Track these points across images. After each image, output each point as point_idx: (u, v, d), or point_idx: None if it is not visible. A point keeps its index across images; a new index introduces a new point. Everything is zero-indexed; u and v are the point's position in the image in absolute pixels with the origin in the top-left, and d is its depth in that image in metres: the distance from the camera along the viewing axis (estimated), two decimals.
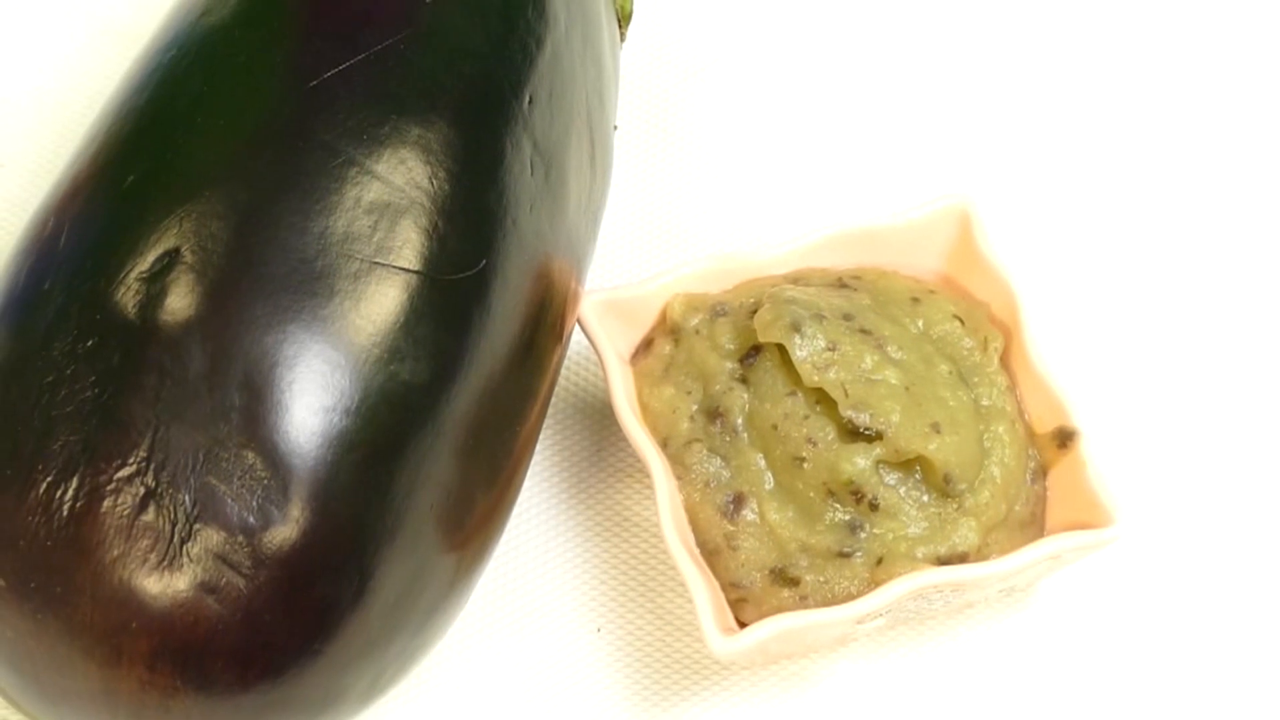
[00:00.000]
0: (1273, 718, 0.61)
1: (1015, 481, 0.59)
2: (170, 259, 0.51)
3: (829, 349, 0.59)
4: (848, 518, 0.58)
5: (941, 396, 0.59)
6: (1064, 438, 0.60)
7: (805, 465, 0.58)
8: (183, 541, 0.49)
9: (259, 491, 0.49)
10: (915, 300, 0.62)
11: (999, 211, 0.71)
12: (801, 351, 0.59)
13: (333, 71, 0.55)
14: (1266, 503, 0.66)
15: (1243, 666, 0.62)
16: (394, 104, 0.55)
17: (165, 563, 0.49)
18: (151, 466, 0.49)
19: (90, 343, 0.50)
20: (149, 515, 0.49)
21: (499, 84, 0.58)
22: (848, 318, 0.60)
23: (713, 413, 0.60)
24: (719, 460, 0.59)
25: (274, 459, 0.49)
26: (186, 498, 0.49)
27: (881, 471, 0.58)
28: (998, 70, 0.77)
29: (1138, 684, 0.62)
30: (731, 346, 0.61)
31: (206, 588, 0.49)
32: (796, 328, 0.59)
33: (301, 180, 0.53)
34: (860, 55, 0.77)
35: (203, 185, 0.53)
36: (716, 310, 0.62)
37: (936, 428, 0.58)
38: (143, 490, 0.49)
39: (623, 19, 0.68)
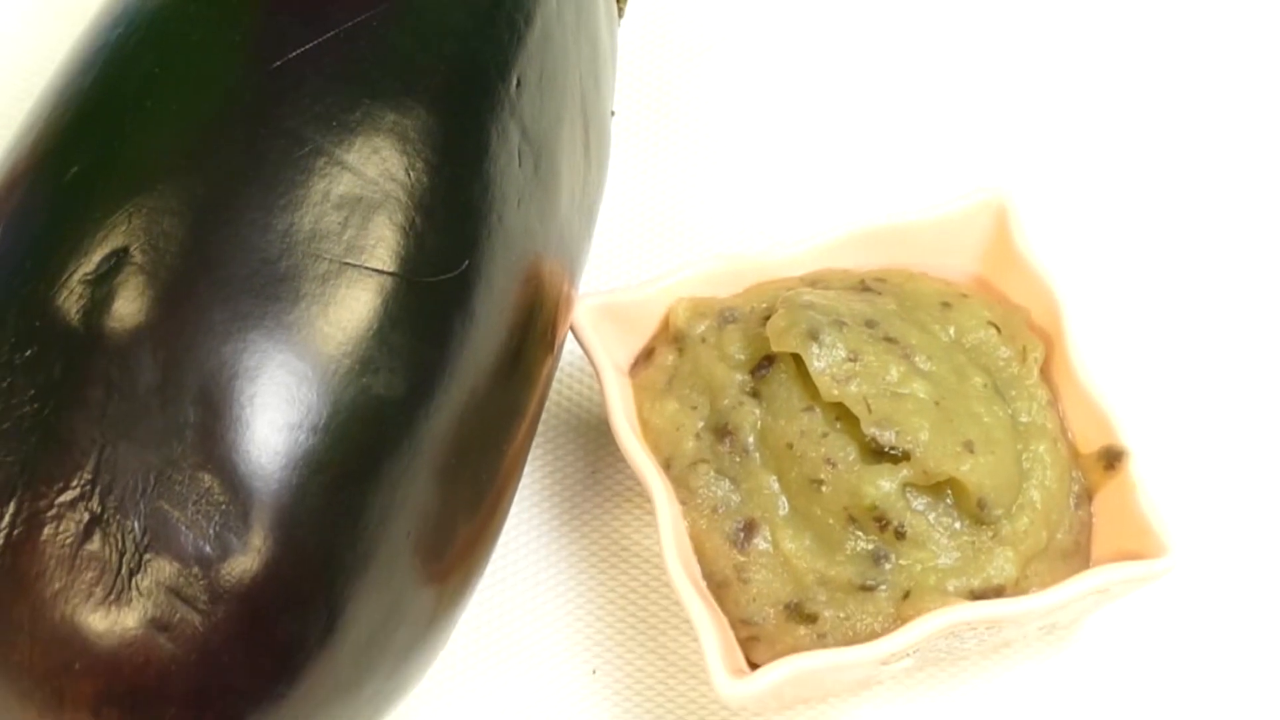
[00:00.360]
0: None
1: (1057, 507, 0.60)
2: (118, 259, 0.51)
3: (850, 359, 0.59)
4: (871, 547, 0.58)
5: (975, 412, 0.59)
6: (1111, 458, 0.60)
7: (824, 489, 0.58)
8: (131, 573, 0.49)
9: (216, 518, 0.49)
10: (946, 305, 0.62)
11: (1040, 206, 0.71)
12: (820, 362, 0.59)
13: (298, 51, 0.55)
14: None
15: None
16: (366, 87, 0.55)
17: (112, 597, 0.48)
18: (97, 490, 0.49)
19: (29, 352, 0.50)
20: (94, 544, 0.49)
21: (483, 65, 0.58)
22: (871, 324, 0.60)
23: (721, 430, 0.60)
24: (728, 483, 0.59)
25: (233, 481, 0.49)
26: (136, 525, 0.49)
27: (908, 495, 0.58)
28: (1036, 42, 0.77)
29: None
30: (741, 356, 0.61)
31: (158, 625, 0.49)
32: (814, 335, 0.59)
33: (264, 171, 0.53)
34: (883, 29, 0.77)
35: (154, 177, 0.53)
36: (725, 316, 0.62)
37: (970, 447, 0.58)
38: (87, 516, 0.49)
39: None
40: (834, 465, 0.58)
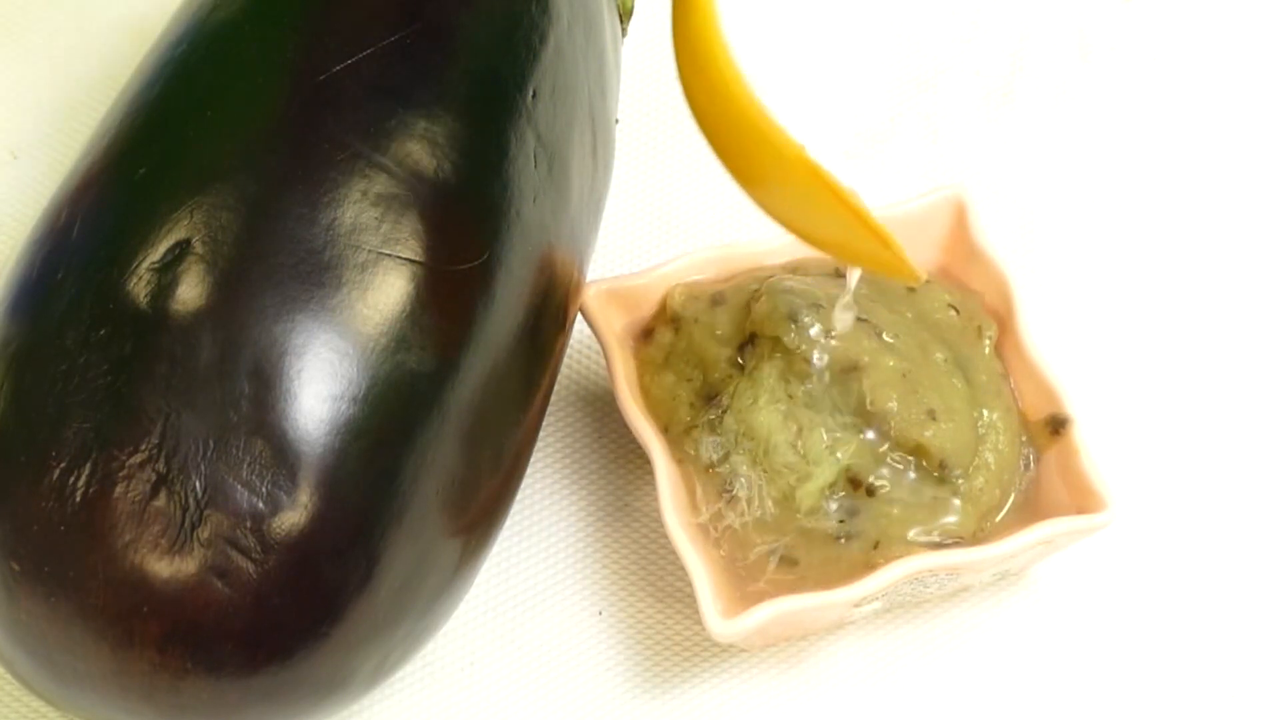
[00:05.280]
0: (1256, 696, 0.61)
1: (1009, 467, 0.59)
2: (181, 249, 0.51)
3: (826, 336, 0.59)
4: (845, 502, 0.58)
5: (938, 384, 0.59)
6: (1057, 424, 0.60)
7: (803, 451, 0.58)
8: (193, 526, 0.48)
9: (268, 478, 0.49)
10: (911, 290, 0.62)
11: (993, 202, 0.71)
12: (799, 339, 0.58)
13: (340, 66, 0.55)
14: (1256, 487, 0.66)
15: (1228, 648, 0.62)
16: (400, 98, 0.55)
17: (176, 547, 0.48)
18: (163, 453, 0.49)
19: (103, 331, 0.50)
20: (160, 501, 0.49)
21: (503, 78, 0.58)
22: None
23: (712, 399, 0.60)
24: (718, 445, 0.59)
25: (282, 446, 0.49)
26: (197, 484, 0.49)
27: (879, 457, 0.58)
28: (992, 64, 0.77)
29: (1128, 667, 0.62)
30: (730, 334, 0.61)
31: (217, 571, 0.49)
32: (794, 317, 0.59)
33: (309, 173, 0.53)
34: (858, 48, 0.77)
35: (213, 177, 0.52)
36: (715, 299, 0.62)
37: (933, 415, 0.58)
38: (154, 476, 0.49)
39: (624, 14, 0.68)
40: (813, 430, 0.58)
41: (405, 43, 0.56)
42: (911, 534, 0.57)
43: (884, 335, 0.59)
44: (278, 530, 0.49)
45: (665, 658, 0.62)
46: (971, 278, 0.64)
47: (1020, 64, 0.77)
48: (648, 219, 0.72)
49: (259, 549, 0.49)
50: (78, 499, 0.49)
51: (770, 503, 0.58)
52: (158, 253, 0.51)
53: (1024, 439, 0.61)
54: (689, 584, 0.57)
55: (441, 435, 0.53)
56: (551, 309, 0.59)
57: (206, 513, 0.49)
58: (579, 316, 0.62)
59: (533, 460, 0.62)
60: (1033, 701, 0.61)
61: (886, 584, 0.56)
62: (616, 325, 0.63)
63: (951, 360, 0.60)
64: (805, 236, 0.56)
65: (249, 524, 0.49)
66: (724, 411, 0.59)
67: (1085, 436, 0.60)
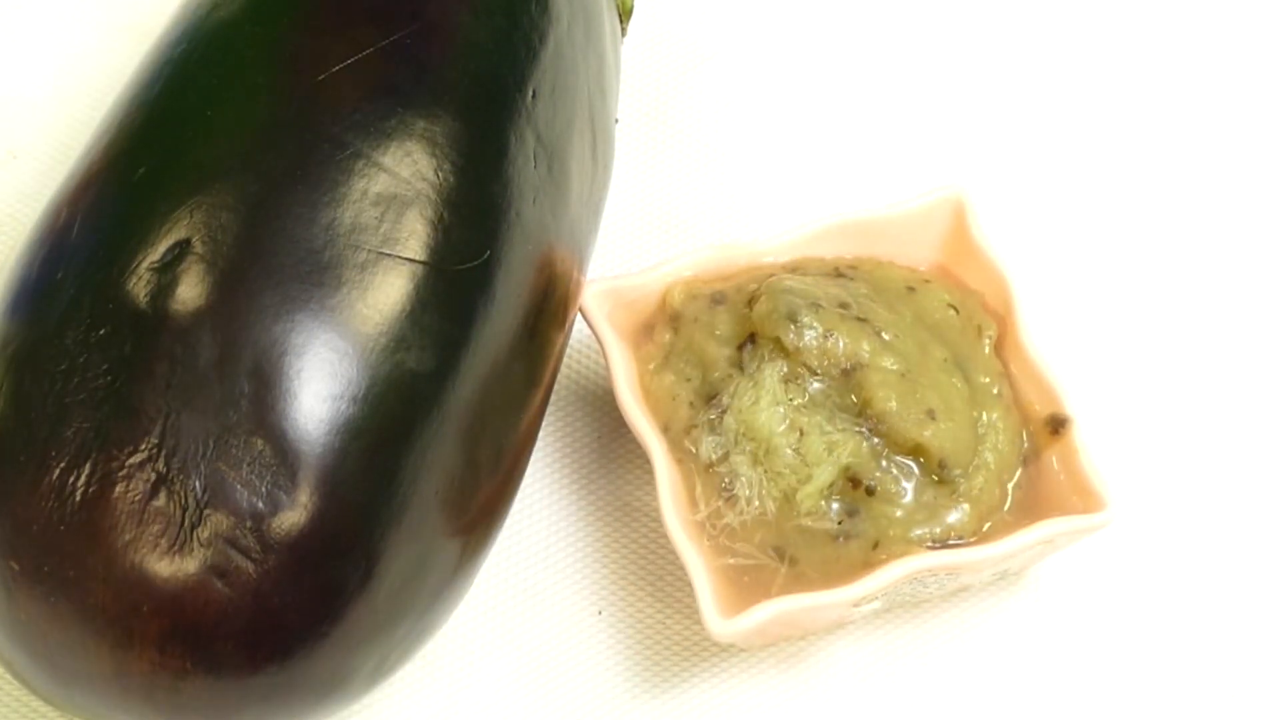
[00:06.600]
0: (1255, 695, 0.61)
1: (1009, 467, 0.59)
2: (181, 249, 0.51)
3: (825, 336, 0.59)
4: (845, 502, 0.58)
5: (937, 384, 0.59)
6: (1057, 424, 0.60)
7: (803, 451, 0.58)
8: (193, 526, 0.49)
9: (268, 477, 0.49)
10: (911, 289, 0.62)
11: (993, 202, 0.71)
12: (798, 339, 0.58)
13: (340, 66, 0.55)
14: (1255, 488, 0.66)
15: (1228, 647, 0.62)
16: (400, 98, 0.55)
17: (176, 547, 0.48)
18: (163, 453, 0.49)
19: (102, 331, 0.50)
20: (160, 500, 0.49)
21: (503, 78, 0.58)
22: (844, 306, 0.60)
23: (712, 398, 0.60)
24: (718, 445, 0.59)
25: (282, 446, 0.49)
26: (197, 483, 0.49)
27: (878, 457, 0.58)
28: (992, 63, 0.77)
29: (1128, 667, 0.62)
30: (730, 334, 0.61)
31: (216, 571, 0.49)
32: (793, 316, 0.59)
33: (309, 172, 0.53)
34: (857, 48, 0.77)
35: (213, 177, 0.53)
36: (715, 299, 0.62)
37: (932, 415, 0.58)
38: (154, 476, 0.49)
39: (624, 14, 0.68)
40: (812, 430, 0.58)
41: (405, 43, 0.56)
42: (911, 534, 0.57)
43: (883, 335, 0.59)
44: (277, 530, 0.49)
45: (665, 657, 0.62)
46: (971, 277, 0.64)
47: (1021, 61, 0.77)
48: (648, 219, 0.72)
49: (259, 549, 0.49)
50: (77, 499, 0.49)
51: (770, 502, 0.58)
52: (157, 252, 0.51)
53: (1024, 439, 0.61)
54: (689, 583, 0.57)
55: (441, 435, 0.53)
56: (551, 308, 0.59)
57: (206, 512, 0.49)
58: (579, 315, 0.62)
59: (533, 460, 0.62)
60: (1032, 701, 0.61)
61: (886, 584, 0.56)
62: (616, 324, 0.63)
63: (951, 360, 0.60)
64: None
65: (249, 524, 0.49)
66: (724, 411, 0.59)
67: (1085, 436, 0.60)
